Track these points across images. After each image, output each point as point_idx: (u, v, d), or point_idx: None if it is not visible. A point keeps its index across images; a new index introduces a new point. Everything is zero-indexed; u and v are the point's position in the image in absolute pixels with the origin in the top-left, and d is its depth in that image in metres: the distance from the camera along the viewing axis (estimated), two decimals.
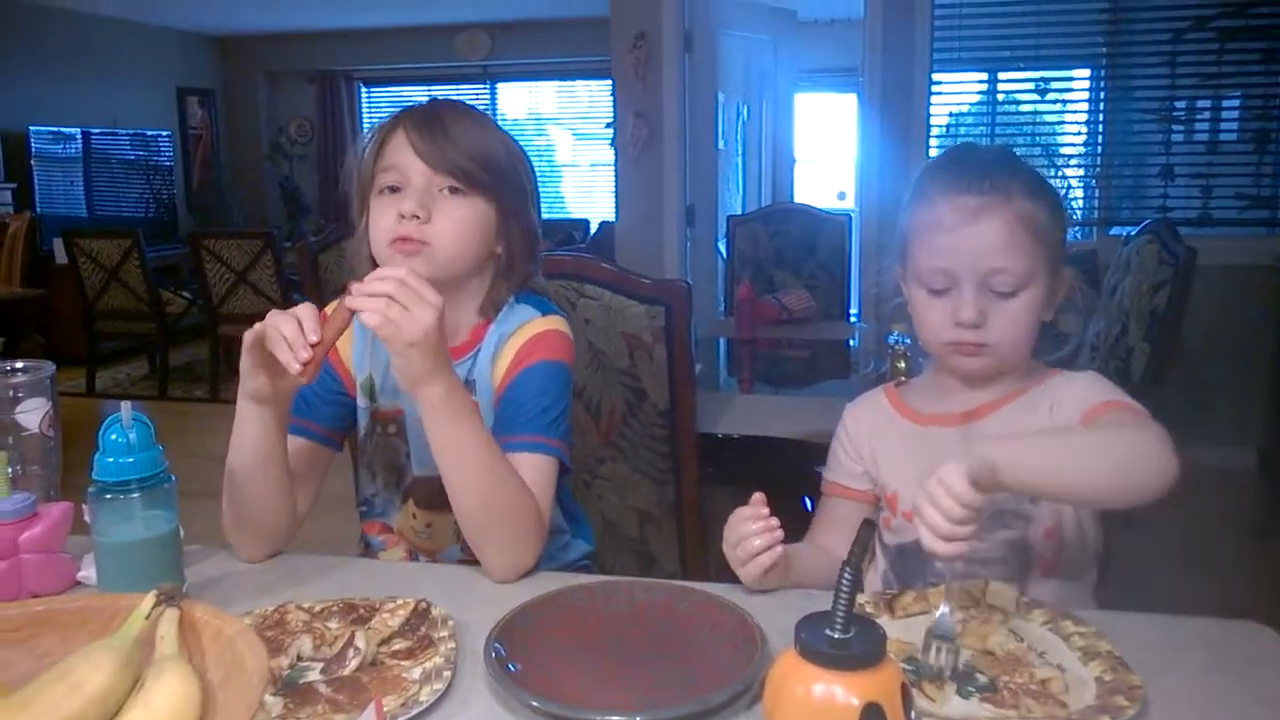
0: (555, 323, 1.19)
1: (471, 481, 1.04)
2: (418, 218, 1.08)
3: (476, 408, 1.10)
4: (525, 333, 1.16)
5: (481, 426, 1.05)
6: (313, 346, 0.95)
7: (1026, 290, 1.03)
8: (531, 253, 1.20)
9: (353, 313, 0.98)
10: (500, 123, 1.15)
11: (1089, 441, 0.93)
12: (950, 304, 1.04)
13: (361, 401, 1.23)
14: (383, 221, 1.11)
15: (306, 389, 1.10)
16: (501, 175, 1.14)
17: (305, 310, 0.98)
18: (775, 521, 1.00)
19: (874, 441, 1.17)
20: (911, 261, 1.08)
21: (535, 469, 1.10)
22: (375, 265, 1.12)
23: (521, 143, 1.21)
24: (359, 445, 1.26)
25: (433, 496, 1.19)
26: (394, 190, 1.11)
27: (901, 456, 1.13)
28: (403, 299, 0.95)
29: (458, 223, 1.11)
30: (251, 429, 1.06)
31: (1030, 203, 1.03)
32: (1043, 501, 1.07)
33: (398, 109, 1.15)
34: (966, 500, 0.82)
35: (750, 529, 0.99)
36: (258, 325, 0.98)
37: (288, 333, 0.96)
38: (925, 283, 1.06)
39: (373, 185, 1.13)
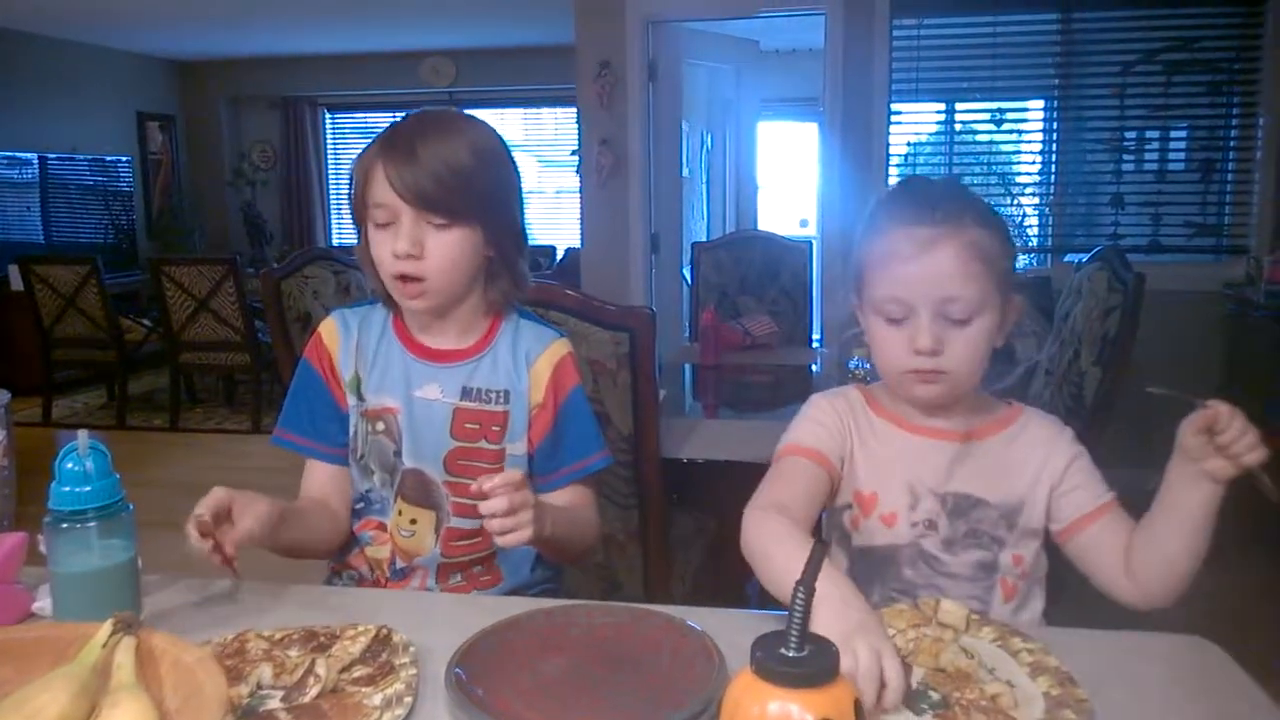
0: (569, 345, 1.31)
1: (572, 549, 1.26)
2: (413, 255, 1.16)
3: (547, 509, 1.14)
4: (552, 356, 1.28)
5: (562, 516, 1.18)
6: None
7: (980, 317, 1.05)
8: (520, 247, 1.28)
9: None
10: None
11: None
12: (907, 333, 1.05)
13: (350, 400, 1.27)
14: (382, 255, 1.19)
15: (320, 416, 1.27)
16: (481, 192, 1.18)
17: (207, 504, 1.03)
18: None
19: (854, 435, 1.15)
20: (868, 292, 1.10)
21: (598, 477, 1.32)
22: (379, 279, 1.23)
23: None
24: (352, 445, 1.29)
25: (420, 490, 1.26)
26: (387, 225, 1.18)
27: (888, 460, 1.12)
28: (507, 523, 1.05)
29: (449, 256, 1.18)
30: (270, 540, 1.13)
31: (981, 231, 1.05)
32: (1017, 528, 1.10)
33: (376, 134, 1.21)
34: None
35: None
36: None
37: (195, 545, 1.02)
38: (883, 312, 1.07)
39: (367, 214, 1.20)
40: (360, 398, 1.27)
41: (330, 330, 1.30)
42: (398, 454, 1.25)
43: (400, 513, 1.27)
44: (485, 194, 1.19)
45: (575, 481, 1.28)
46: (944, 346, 1.04)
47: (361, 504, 1.29)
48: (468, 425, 1.24)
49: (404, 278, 1.18)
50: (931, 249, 1.04)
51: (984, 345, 1.06)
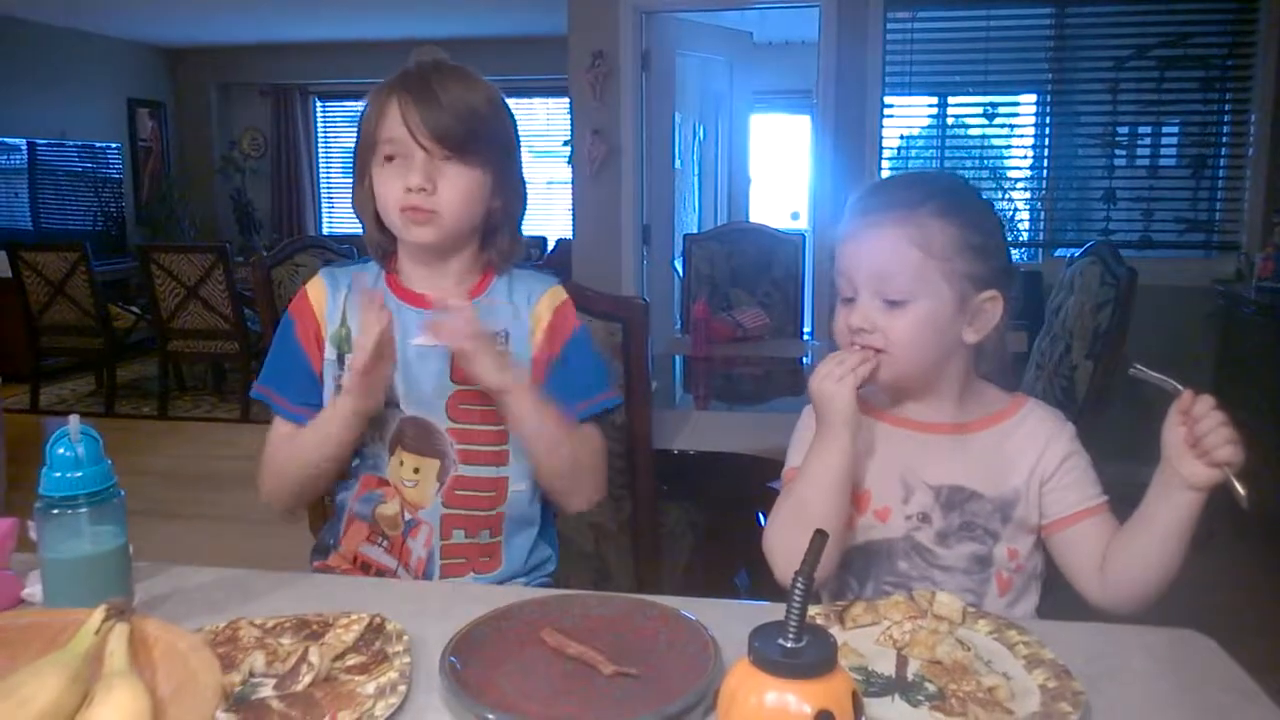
0: (565, 292, 1.32)
1: (555, 446, 1.22)
2: (425, 190, 1.17)
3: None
4: (553, 299, 1.29)
5: (552, 412, 1.20)
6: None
7: (917, 302, 1.06)
8: (520, 206, 1.29)
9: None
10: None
11: None
12: (850, 311, 1.09)
13: (330, 353, 1.26)
14: (390, 191, 1.20)
15: (291, 374, 1.26)
16: (491, 136, 1.22)
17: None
18: None
19: None
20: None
21: (606, 430, 1.31)
22: (379, 224, 1.24)
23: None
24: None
25: (422, 439, 1.25)
26: (394, 158, 1.19)
27: (880, 457, 1.13)
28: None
29: (461, 191, 1.20)
30: (349, 432, 1.20)
31: (938, 221, 1.05)
32: (1012, 521, 1.10)
33: (391, 78, 1.22)
34: None
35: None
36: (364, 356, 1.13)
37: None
38: (839, 291, 1.12)
39: (374, 151, 1.21)
40: (350, 349, 1.24)
41: (317, 287, 1.29)
42: (390, 404, 1.24)
43: (402, 463, 1.26)
44: (498, 142, 1.22)
45: (584, 421, 1.27)
46: (877, 326, 1.07)
47: (356, 461, 1.28)
48: None
49: (413, 209, 1.18)
50: (875, 229, 1.08)
51: (920, 329, 1.07)
